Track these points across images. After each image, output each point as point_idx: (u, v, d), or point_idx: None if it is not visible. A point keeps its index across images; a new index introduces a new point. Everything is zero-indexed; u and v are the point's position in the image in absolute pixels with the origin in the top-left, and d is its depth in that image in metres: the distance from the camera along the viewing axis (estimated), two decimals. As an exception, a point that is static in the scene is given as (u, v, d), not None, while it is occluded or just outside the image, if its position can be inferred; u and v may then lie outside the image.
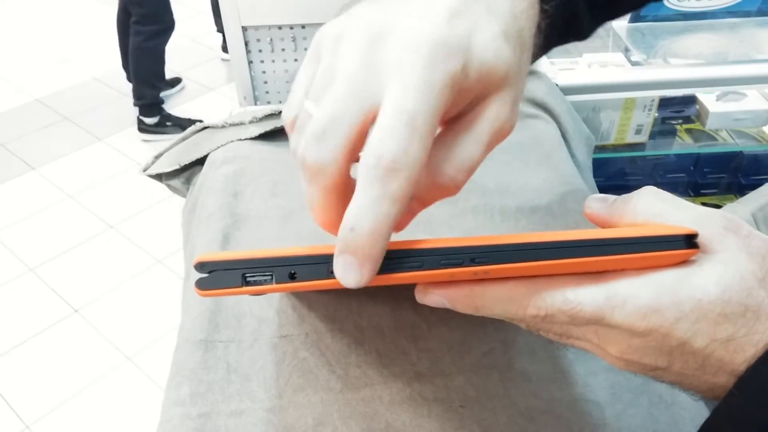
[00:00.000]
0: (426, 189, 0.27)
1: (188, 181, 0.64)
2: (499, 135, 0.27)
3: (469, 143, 0.26)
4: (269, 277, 0.26)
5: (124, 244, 1.91)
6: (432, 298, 0.28)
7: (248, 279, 0.26)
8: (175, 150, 0.65)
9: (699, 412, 0.41)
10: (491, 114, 0.27)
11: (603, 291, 0.25)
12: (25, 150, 2.35)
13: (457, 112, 0.27)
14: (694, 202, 0.28)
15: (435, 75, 0.24)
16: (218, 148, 0.61)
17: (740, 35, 0.89)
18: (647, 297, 0.25)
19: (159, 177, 0.65)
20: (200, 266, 0.26)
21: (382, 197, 0.23)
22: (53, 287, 1.77)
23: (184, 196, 0.65)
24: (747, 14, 0.90)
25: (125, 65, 2.51)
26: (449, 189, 0.27)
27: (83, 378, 1.52)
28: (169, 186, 0.66)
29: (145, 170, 0.65)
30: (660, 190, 0.28)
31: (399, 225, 0.28)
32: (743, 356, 0.24)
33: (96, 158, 2.30)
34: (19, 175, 2.23)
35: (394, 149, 0.23)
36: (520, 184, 0.54)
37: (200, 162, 0.62)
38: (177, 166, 0.62)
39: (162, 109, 2.43)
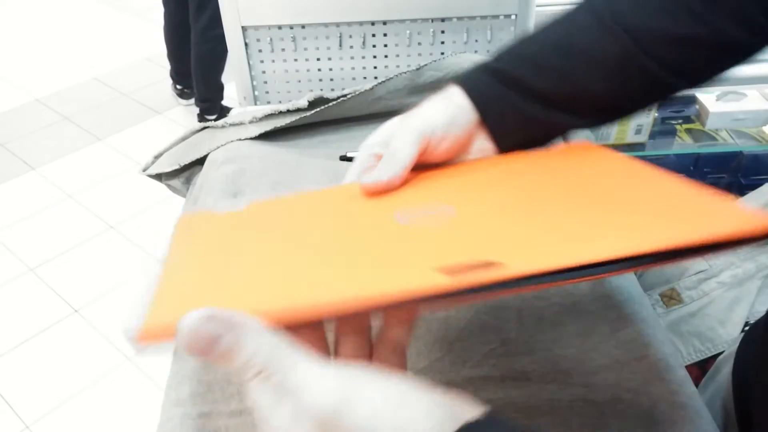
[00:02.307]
0: None
1: (188, 181, 0.64)
2: None
3: None
4: None
5: (124, 244, 1.91)
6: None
7: None
8: (175, 150, 0.65)
9: (698, 413, 0.41)
10: None
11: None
12: (25, 150, 2.35)
13: None
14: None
15: None
16: (218, 148, 0.61)
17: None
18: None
19: (159, 177, 0.65)
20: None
21: None
22: (53, 287, 1.77)
23: (184, 196, 0.65)
24: (747, 14, 0.89)
25: (183, 70, 2.45)
26: None
27: (83, 378, 1.52)
28: (169, 186, 0.66)
29: (145, 170, 0.65)
30: None
31: None
32: None
33: (96, 158, 2.30)
34: (19, 175, 2.22)
35: None
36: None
37: (200, 162, 0.62)
38: (177, 166, 0.62)
39: (221, 105, 2.41)
